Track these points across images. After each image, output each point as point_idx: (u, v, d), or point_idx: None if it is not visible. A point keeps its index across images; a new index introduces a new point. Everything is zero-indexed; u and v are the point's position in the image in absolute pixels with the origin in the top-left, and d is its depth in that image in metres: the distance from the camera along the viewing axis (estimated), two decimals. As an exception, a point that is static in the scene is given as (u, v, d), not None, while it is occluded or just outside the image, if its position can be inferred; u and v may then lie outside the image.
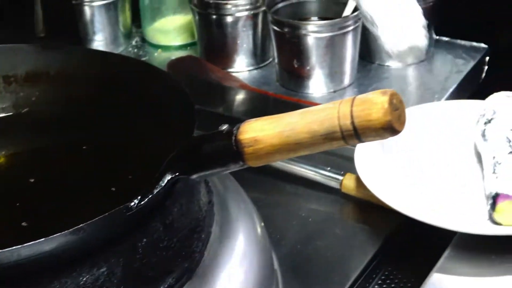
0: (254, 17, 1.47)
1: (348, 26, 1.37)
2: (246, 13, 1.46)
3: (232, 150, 0.76)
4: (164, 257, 0.85)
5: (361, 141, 0.71)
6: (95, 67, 1.09)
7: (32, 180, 0.98)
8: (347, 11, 1.38)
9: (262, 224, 1.01)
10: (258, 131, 0.75)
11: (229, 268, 0.92)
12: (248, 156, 0.76)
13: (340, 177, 1.15)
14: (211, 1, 1.47)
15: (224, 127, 0.78)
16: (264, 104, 1.43)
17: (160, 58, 1.58)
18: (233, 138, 0.76)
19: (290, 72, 1.43)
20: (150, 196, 0.79)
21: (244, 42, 1.49)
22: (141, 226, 0.85)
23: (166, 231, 0.87)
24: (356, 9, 1.38)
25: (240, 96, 1.45)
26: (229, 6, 1.46)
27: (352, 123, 0.70)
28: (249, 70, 1.51)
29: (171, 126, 0.97)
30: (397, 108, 0.70)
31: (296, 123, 0.73)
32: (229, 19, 1.47)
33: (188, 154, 0.81)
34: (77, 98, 1.10)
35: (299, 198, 1.18)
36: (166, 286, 0.84)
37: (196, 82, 1.47)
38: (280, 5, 1.45)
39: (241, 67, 1.51)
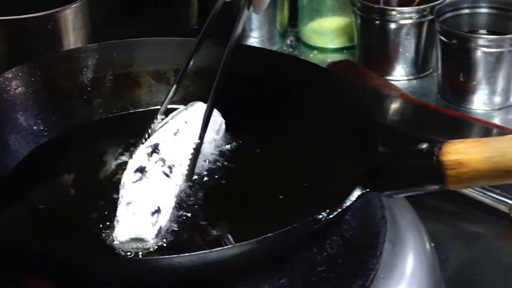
0: (419, 25, 1.42)
1: (521, 42, 1.31)
2: (411, 21, 1.42)
3: (433, 171, 0.73)
4: (341, 273, 0.83)
5: None
6: (269, 68, 1.07)
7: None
8: (522, 26, 1.32)
9: (432, 244, 0.97)
10: (463, 154, 0.71)
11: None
12: (450, 179, 0.72)
13: (510, 201, 1.09)
14: (376, 6, 1.43)
15: (424, 145, 0.75)
16: (423, 116, 1.38)
17: (315, 60, 1.55)
18: (435, 158, 0.73)
19: (454, 85, 1.39)
20: (339, 210, 0.77)
21: (406, 50, 1.45)
22: (322, 239, 0.83)
23: (345, 246, 0.85)
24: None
25: (397, 106, 1.41)
26: (394, 13, 1.42)
27: None
28: (409, 80, 1.47)
29: (347, 138, 0.94)
30: None
31: (507, 149, 0.69)
32: (393, 25, 1.43)
33: (380, 170, 0.78)
34: (247, 98, 1.08)
35: (464, 219, 1.13)
36: (340, 303, 0.81)
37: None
38: (449, 14, 1.40)
39: (400, 75, 1.47)
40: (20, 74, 1.04)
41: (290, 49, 1.60)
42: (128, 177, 0.88)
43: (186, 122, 0.97)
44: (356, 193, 0.78)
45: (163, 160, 0.90)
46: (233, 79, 1.03)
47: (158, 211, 0.84)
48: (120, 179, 0.93)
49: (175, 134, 0.95)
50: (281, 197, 0.92)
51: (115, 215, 0.87)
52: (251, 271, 0.78)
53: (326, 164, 0.94)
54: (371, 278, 0.85)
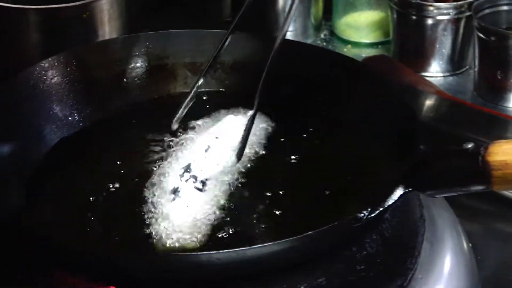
0: (456, 21, 1.40)
1: (562, 40, 1.29)
2: (448, 16, 1.40)
3: (478, 172, 0.72)
4: (380, 272, 0.82)
5: None
6: (309, 64, 1.06)
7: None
8: None
9: (470, 244, 0.96)
10: (510, 155, 0.70)
11: (437, 288, 0.88)
12: (495, 180, 0.71)
13: (549, 202, 1.08)
14: (413, 1, 1.41)
15: (469, 145, 0.73)
16: (458, 114, 1.36)
17: (349, 54, 1.52)
18: (480, 158, 0.71)
19: (491, 82, 1.37)
20: (381, 209, 0.75)
21: (443, 46, 1.43)
22: (361, 238, 0.81)
23: (384, 245, 0.83)
24: None
25: (432, 102, 1.39)
26: (431, 8, 1.40)
27: None
28: (444, 76, 1.45)
29: (387, 135, 0.92)
30: None
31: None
32: (429, 21, 1.41)
33: (423, 169, 0.77)
34: (285, 93, 1.07)
35: (501, 219, 1.12)
36: (378, 302, 0.80)
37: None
38: (487, 11, 1.38)
39: (436, 72, 1.46)
40: (56, 64, 1.04)
41: (324, 43, 1.58)
42: (163, 196, 0.88)
43: (217, 138, 0.96)
44: (398, 192, 0.76)
45: (194, 177, 0.90)
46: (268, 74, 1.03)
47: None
48: (153, 171, 0.94)
49: (206, 150, 0.94)
50: (327, 192, 0.90)
51: (150, 207, 0.87)
52: (289, 269, 0.76)
53: (365, 162, 0.92)
54: (409, 278, 0.84)
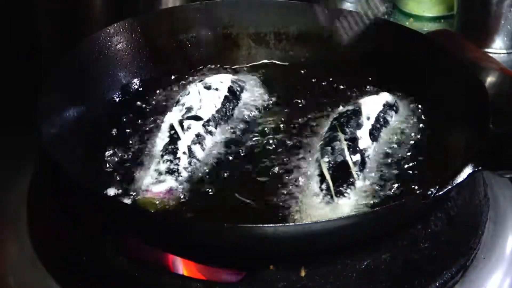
0: (523, -3, 1.37)
1: None
2: (515, -8, 1.37)
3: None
4: (444, 251, 0.81)
5: None
6: (376, 40, 1.05)
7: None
8: None
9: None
10: None
11: (500, 270, 0.86)
12: None
13: None
14: (480, -25, 1.39)
15: (544, 126, 0.72)
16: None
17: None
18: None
19: (556, 61, 1.34)
20: (449, 187, 0.74)
21: (508, 22, 1.40)
22: (426, 216, 0.81)
23: (450, 224, 0.82)
24: None
25: (495, 79, 1.36)
26: (498, -17, 1.37)
27: None
28: (508, 53, 1.43)
29: (457, 112, 0.91)
30: None
31: None
32: (496, -4, 1.38)
33: (495, 149, 0.75)
34: (348, 68, 1.06)
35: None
36: (441, 281, 0.79)
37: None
38: (555, -13, 1.35)
39: (500, 48, 1.43)
40: (121, 30, 1.04)
41: (385, 16, 1.56)
42: None
43: None
44: (468, 170, 0.75)
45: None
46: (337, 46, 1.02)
47: None
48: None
49: None
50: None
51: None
52: (355, 245, 0.76)
53: (434, 138, 0.91)
54: (472, 257, 0.83)
